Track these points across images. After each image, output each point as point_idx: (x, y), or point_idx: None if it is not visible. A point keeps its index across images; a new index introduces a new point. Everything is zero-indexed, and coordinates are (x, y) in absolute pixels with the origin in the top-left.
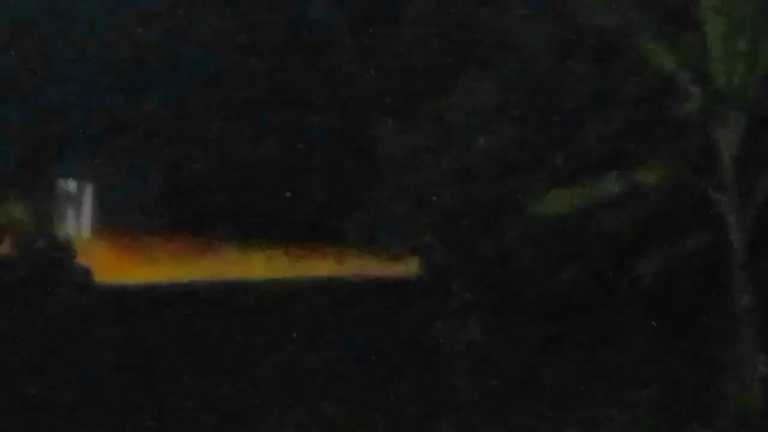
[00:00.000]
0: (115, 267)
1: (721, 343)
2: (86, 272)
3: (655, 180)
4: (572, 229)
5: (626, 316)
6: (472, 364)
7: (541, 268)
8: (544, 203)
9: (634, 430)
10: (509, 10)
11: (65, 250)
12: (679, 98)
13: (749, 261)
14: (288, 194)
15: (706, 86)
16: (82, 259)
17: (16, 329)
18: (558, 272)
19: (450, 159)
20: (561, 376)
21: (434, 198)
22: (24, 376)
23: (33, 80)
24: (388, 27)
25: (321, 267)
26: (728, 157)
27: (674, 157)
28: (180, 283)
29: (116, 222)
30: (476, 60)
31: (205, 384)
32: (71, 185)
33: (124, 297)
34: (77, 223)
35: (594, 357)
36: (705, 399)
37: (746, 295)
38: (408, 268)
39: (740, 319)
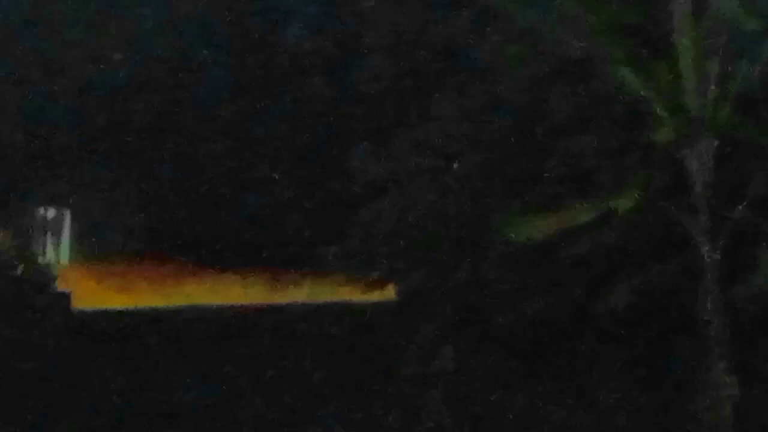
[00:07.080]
0: (93, 293)
1: (692, 366)
2: (65, 299)
3: (627, 206)
4: (545, 256)
5: (598, 341)
6: (445, 392)
7: (513, 295)
8: (516, 229)
9: None
10: (482, 37)
11: (44, 276)
12: (651, 125)
13: (720, 286)
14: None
15: (678, 113)
16: (60, 286)
17: None
18: (530, 298)
19: (425, 184)
20: (533, 403)
21: (410, 221)
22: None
23: (12, 105)
24: (360, 53)
25: (297, 293)
26: (700, 183)
27: (646, 184)
28: (158, 310)
29: (94, 248)
30: (449, 85)
31: (183, 409)
32: (50, 212)
33: (102, 323)
34: (56, 250)
35: (567, 382)
36: (677, 421)
37: (717, 319)
38: (384, 293)
39: (711, 342)
